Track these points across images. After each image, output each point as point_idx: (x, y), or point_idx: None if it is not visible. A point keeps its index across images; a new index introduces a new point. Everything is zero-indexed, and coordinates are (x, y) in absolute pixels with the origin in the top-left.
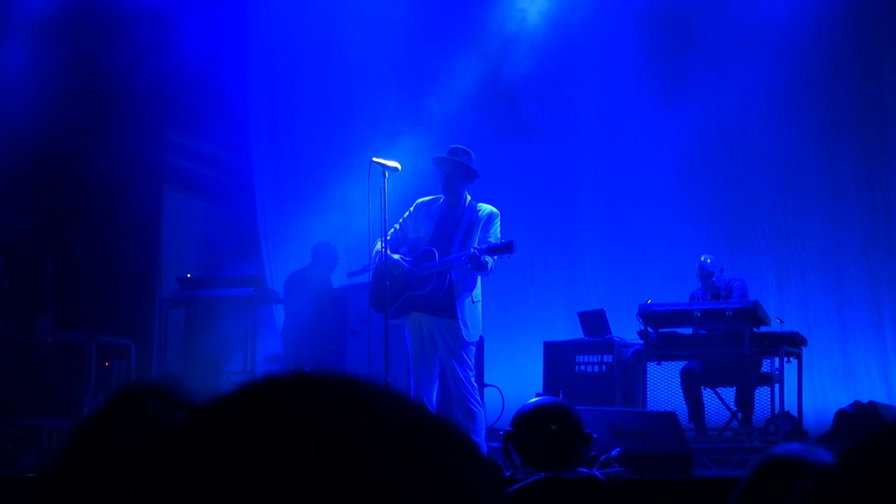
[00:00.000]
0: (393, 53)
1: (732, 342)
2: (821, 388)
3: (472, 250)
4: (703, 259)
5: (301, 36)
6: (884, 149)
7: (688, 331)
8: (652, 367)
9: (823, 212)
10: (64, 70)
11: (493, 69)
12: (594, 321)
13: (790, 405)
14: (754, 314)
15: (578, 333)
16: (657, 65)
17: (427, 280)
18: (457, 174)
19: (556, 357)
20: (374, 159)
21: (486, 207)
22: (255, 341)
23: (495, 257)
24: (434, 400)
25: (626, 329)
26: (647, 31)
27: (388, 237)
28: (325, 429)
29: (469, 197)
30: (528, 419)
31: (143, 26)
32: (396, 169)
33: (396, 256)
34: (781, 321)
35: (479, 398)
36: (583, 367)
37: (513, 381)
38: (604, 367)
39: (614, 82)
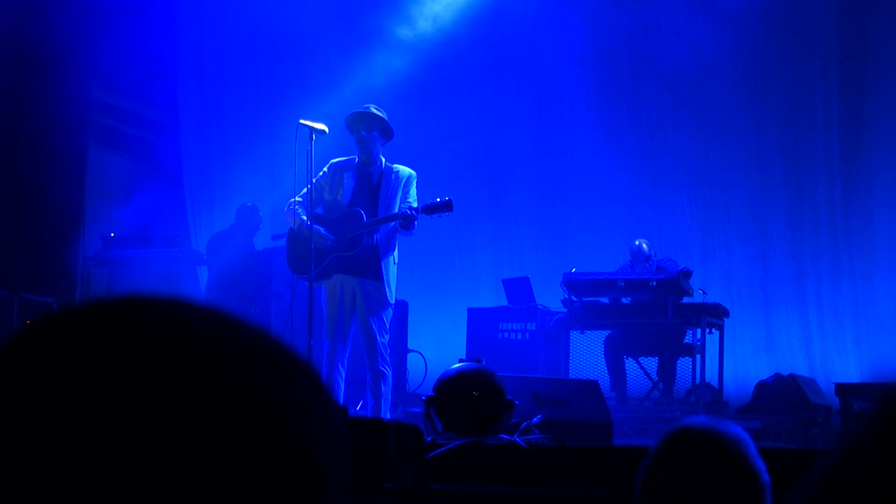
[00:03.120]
0: (324, 13)
1: (655, 312)
2: (742, 359)
3: (408, 210)
4: (637, 243)
5: None
6: (811, 123)
7: (610, 300)
8: (575, 335)
9: (749, 185)
10: None
11: (426, 42)
12: (519, 288)
13: (711, 376)
14: (678, 285)
15: (503, 300)
16: (586, 31)
17: (356, 241)
18: (373, 133)
19: (480, 323)
20: (302, 121)
21: (403, 168)
22: None
23: (433, 215)
24: (346, 362)
25: (551, 297)
26: (583, 13)
27: (301, 198)
28: (136, 348)
29: (384, 158)
30: (450, 385)
31: None
32: (324, 131)
33: (320, 229)
34: (704, 293)
35: (389, 361)
36: (506, 334)
37: (436, 346)
38: (527, 334)
39: (542, 47)
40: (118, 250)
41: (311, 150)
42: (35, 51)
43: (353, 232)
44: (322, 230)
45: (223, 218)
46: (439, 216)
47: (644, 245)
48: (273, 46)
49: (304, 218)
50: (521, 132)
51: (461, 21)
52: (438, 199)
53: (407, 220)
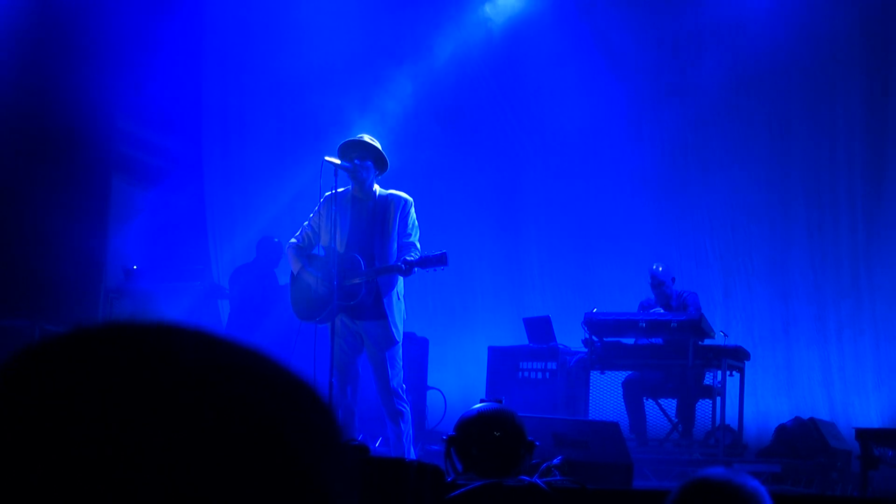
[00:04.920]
0: (349, 51)
1: (676, 354)
2: (763, 402)
3: (401, 265)
4: (654, 267)
5: (258, 27)
6: (834, 164)
7: (632, 341)
8: (595, 375)
9: (772, 226)
10: (8, 58)
11: (445, 75)
12: (539, 327)
13: (731, 418)
14: (699, 327)
15: (523, 339)
16: (611, 69)
17: (355, 291)
18: (366, 162)
19: (500, 362)
20: (327, 158)
21: (398, 196)
22: None
23: (428, 269)
24: (356, 398)
25: (571, 337)
26: (603, 45)
27: (297, 238)
28: (124, 374)
29: (378, 187)
30: (471, 425)
31: (95, 15)
32: (350, 169)
33: (317, 274)
34: (725, 335)
35: (406, 398)
36: (526, 374)
37: (456, 384)
38: (547, 374)
39: (566, 83)
40: (140, 283)
41: (336, 186)
42: (59, 82)
43: (351, 280)
44: (320, 275)
45: (245, 251)
46: (435, 270)
47: (660, 269)
48: (297, 80)
49: (304, 264)
50: (545, 171)
51: (482, 54)
52: (436, 254)
53: (402, 273)
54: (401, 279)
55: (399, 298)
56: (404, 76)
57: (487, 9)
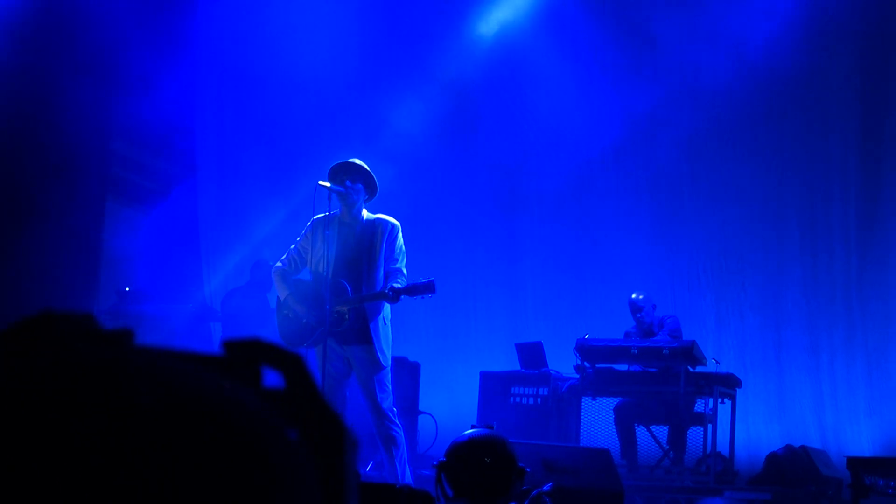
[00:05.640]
0: (343, 74)
1: (668, 381)
2: (755, 429)
3: (389, 292)
4: (634, 296)
5: (252, 50)
6: (828, 193)
7: (624, 367)
8: (587, 401)
9: (765, 254)
10: (5, 81)
11: (440, 98)
12: (531, 353)
13: (722, 446)
14: (690, 354)
15: (515, 364)
16: (604, 97)
17: (342, 316)
18: (357, 185)
19: (492, 387)
20: (321, 182)
21: (386, 220)
22: None
23: (415, 297)
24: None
25: (563, 363)
26: (599, 67)
27: (284, 262)
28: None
29: (366, 211)
30: (462, 450)
31: (91, 38)
32: (342, 192)
33: (302, 306)
34: (717, 362)
35: (398, 422)
36: (518, 399)
37: (448, 409)
38: (539, 399)
39: (561, 112)
40: (133, 304)
41: (330, 210)
42: (55, 104)
43: (337, 306)
44: (304, 307)
45: (238, 274)
46: (422, 297)
47: (640, 297)
48: (291, 104)
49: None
50: (540, 196)
51: (477, 76)
52: (423, 282)
53: (391, 300)
54: (388, 305)
55: (386, 323)
56: (400, 99)
57: (481, 27)
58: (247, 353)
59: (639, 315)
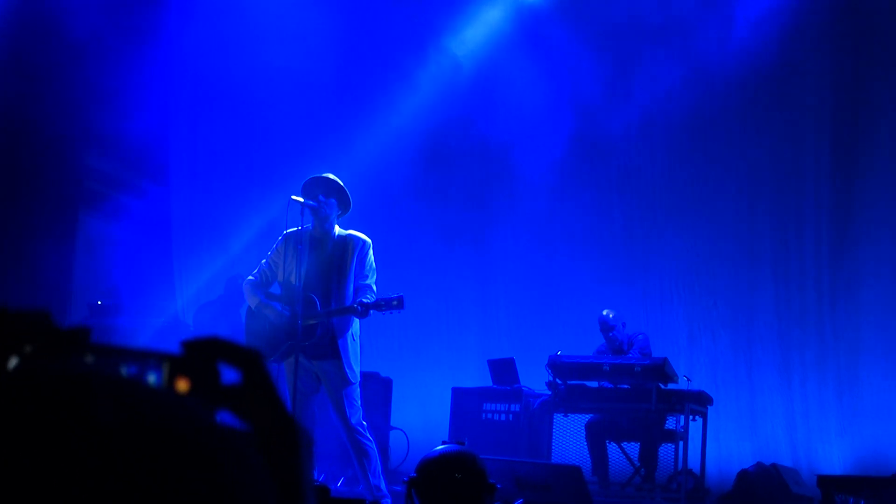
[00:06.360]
0: (317, 90)
1: (639, 398)
2: (726, 446)
3: (358, 307)
4: (604, 313)
5: (226, 66)
6: (800, 213)
7: (595, 384)
8: (559, 418)
9: (737, 273)
10: None
11: (414, 118)
12: (503, 369)
13: (693, 463)
14: (662, 371)
15: (487, 381)
16: (576, 118)
17: (310, 331)
18: (330, 199)
19: (464, 403)
20: (293, 197)
21: (357, 237)
22: None
23: (384, 312)
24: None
25: (535, 379)
26: (569, 90)
27: (255, 276)
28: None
29: (338, 227)
30: (432, 466)
31: (61, 48)
32: (315, 207)
33: (276, 305)
34: (689, 379)
35: (370, 437)
36: (490, 415)
37: (420, 424)
38: (511, 415)
39: (532, 134)
40: (105, 318)
41: (302, 225)
42: (29, 116)
43: (307, 320)
44: (278, 306)
45: (211, 288)
46: (391, 313)
47: (611, 315)
48: (265, 119)
49: (264, 300)
50: (512, 213)
51: (451, 94)
52: (392, 297)
53: (358, 315)
54: (356, 320)
55: (354, 339)
56: (373, 115)
57: (453, 46)
58: (205, 351)
59: (611, 334)
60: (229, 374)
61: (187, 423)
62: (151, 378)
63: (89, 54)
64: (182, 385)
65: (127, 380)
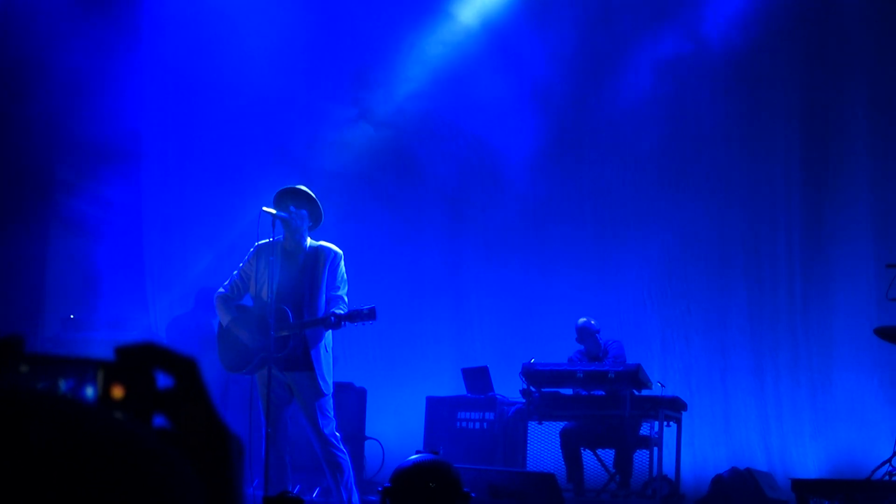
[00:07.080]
0: (290, 100)
1: (613, 404)
2: (700, 452)
3: (332, 318)
4: (585, 320)
5: (198, 75)
6: (772, 218)
7: (569, 391)
8: (533, 426)
9: (710, 278)
10: None
11: (388, 123)
12: (477, 378)
13: (668, 469)
14: (636, 377)
15: (462, 389)
16: (550, 123)
17: (283, 343)
18: (301, 211)
19: (438, 412)
20: (265, 208)
21: (329, 248)
22: None
23: (357, 323)
24: (287, 447)
25: (509, 387)
26: (540, 98)
27: (226, 288)
28: None
29: (310, 238)
30: (406, 476)
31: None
32: (286, 218)
33: (245, 331)
34: (662, 385)
35: (343, 448)
36: (464, 424)
37: (394, 434)
38: (485, 424)
39: (505, 139)
40: (77, 332)
41: (274, 236)
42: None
43: (279, 332)
44: (247, 332)
45: (182, 301)
46: (364, 324)
47: (592, 322)
48: (237, 132)
49: (234, 312)
50: (483, 222)
51: (424, 110)
52: (365, 308)
53: (331, 327)
54: (329, 332)
55: (327, 350)
56: (345, 124)
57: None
58: (139, 358)
59: (595, 338)
60: (166, 381)
61: (118, 439)
62: (89, 391)
63: (57, 68)
64: (117, 392)
65: (57, 395)
